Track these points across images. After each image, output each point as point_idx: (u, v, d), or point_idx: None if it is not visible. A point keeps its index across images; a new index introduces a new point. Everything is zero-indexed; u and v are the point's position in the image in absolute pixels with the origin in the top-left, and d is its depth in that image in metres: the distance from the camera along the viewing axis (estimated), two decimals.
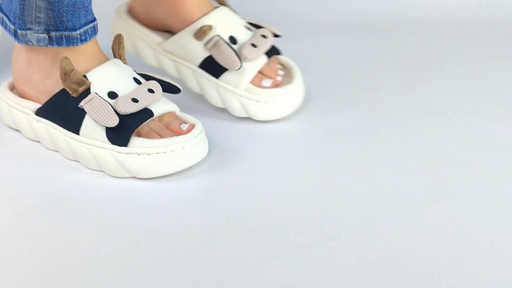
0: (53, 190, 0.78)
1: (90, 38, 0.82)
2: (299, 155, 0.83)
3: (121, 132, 0.78)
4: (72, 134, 0.80)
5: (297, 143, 0.86)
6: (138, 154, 0.78)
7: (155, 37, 0.93)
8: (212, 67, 0.88)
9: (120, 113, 0.78)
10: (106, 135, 0.79)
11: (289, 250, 0.67)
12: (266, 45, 0.88)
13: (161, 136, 0.79)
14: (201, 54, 0.88)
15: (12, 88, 0.87)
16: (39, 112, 0.83)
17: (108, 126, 0.77)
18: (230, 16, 0.90)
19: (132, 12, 0.95)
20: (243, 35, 0.89)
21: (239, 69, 0.85)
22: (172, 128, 0.80)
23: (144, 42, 0.93)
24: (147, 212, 0.74)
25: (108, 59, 0.83)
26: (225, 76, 0.87)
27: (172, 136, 0.78)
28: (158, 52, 0.92)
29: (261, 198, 0.75)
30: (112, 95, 0.79)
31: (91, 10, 0.82)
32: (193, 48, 0.88)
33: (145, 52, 0.93)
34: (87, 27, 0.81)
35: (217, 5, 0.93)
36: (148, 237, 0.70)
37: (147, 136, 0.79)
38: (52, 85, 0.82)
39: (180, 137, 0.78)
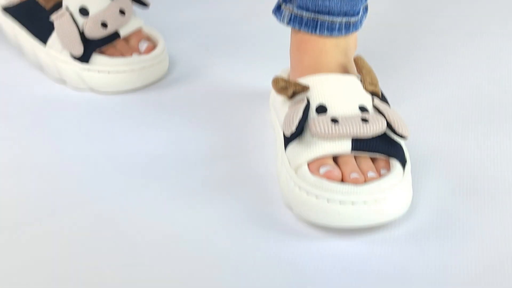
0: (16, 100, 0.84)
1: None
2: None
3: (84, 50, 0.81)
4: (39, 44, 0.85)
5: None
6: (98, 71, 0.82)
7: None
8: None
9: (87, 37, 0.82)
10: (70, 53, 0.83)
11: None
12: (350, 126, 0.66)
13: (123, 55, 0.83)
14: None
15: None
16: (9, 10, 0.87)
17: (71, 53, 0.82)
18: (344, 89, 0.71)
19: None
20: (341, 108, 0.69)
21: (288, 133, 0.67)
22: (133, 46, 0.84)
23: None
24: (106, 121, 0.80)
25: None
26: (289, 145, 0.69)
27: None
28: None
29: None
30: (83, 11, 0.82)
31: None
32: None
33: None
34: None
35: None
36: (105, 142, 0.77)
37: (111, 54, 0.83)
38: None
39: (141, 56, 0.83)
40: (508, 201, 0.69)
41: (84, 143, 0.77)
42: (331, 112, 0.67)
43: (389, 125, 0.67)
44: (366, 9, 0.78)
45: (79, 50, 0.81)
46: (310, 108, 0.68)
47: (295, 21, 0.74)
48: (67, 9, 0.82)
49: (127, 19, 0.83)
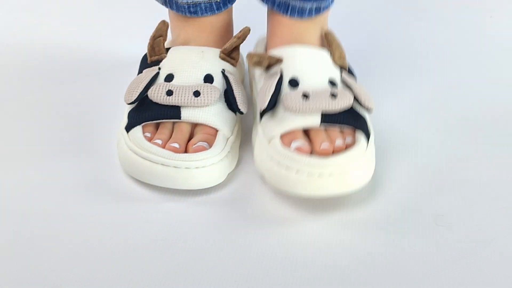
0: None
1: (202, 14, 0.77)
2: None
3: (136, 115, 0.72)
4: None
5: None
6: (126, 146, 0.71)
7: None
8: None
9: (148, 96, 0.72)
10: (129, 110, 0.74)
11: None
12: (319, 100, 0.71)
13: (165, 143, 0.70)
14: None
15: None
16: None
17: (124, 99, 0.72)
18: (312, 61, 0.76)
19: None
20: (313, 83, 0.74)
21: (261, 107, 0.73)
22: (191, 141, 0.71)
23: None
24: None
25: (216, 44, 0.78)
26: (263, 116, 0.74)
27: (173, 151, 0.69)
28: None
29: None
30: (169, 77, 0.74)
31: None
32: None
33: None
34: (198, 0, 0.77)
35: None
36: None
37: (158, 135, 0.71)
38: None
39: (169, 153, 0.68)
40: (475, 182, 0.72)
41: None
42: (303, 86, 0.71)
43: (355, 99, 0.71)
44: None
45: (130, 98, 0.71)
46: (283, 82, 0.72)
47: (269, 1, 0.79)
48: (159, 68, 0.75)
49: (201, 103, 0.71)
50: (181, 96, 0.71)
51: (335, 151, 0.67)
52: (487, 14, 1.08)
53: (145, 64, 0.78)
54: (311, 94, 0.69)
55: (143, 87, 0.72)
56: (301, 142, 0.68)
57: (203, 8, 0.77)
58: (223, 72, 0.75)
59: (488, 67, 0.95)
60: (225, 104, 0.74)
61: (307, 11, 0.77)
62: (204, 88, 0.72)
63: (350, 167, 0.66)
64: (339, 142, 0.68)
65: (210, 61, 0.75)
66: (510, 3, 1.11)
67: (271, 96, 0.70)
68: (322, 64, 0.73)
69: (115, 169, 0.73)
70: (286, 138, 0.69)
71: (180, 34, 0.80)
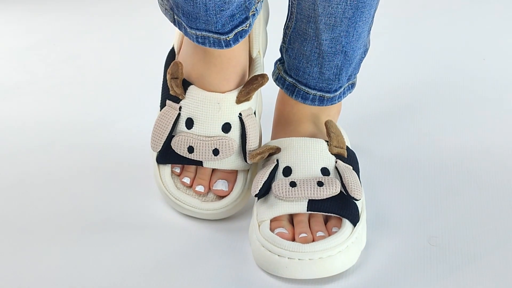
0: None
1: (210, 47, 0.74)
2: None
3: (165, 154, 0.78)
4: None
5: None
6: (155, 175, 0.80)
7: None
8: None
9: (172, 146, 0.77)
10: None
11: None
12: (305, 190, 0.73)
13: (192, 181, 0.79)
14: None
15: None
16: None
17: (151, 147, 0.78)
18: (304, 149, 0.78)
19: None
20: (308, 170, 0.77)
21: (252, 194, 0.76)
22: (212, 178, 0.79)
23: None
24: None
25: (228, 88, 0.78)
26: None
27: (198, 194, 0.78)
28: None
29: None
30: (189, 123, 0.77)
31: (221, 23, 0.72)
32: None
33: None
34: (208, 34, 0.73)
35: None
36: None
37: (185, 173, 0.79)
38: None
39: (196, 202, 0.77)
40: (465, 208, 0.79)
41: None
42: (295, 174, 0.74)
43: (344, 187, 0.72)
44: (352, 86, 0.82)
45: (156, 147, 0.77)
46: (277, 170, 0.75)
47: (280, 81, 0.81)
48: (179, 109, 0.77)
49: (220, 159, 0.76)
50: (201, 154, 0.76)
51: (315, 240, 0.70)
52: (481, 57, 1.15)
53: (167, 91, 0.78)
54: (298, 183, 0.72)
55: (167, 135, 0.76)
56: (282, 229, 0.71)
57: (211, 42, 0.74)
58: (240, 117, 0.77)
59: (482, 106, 1.02)
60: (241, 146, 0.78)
61: (310, 98, 0.79)
62: (222, 144, 0.75)
63: (329, 253, 0.68)
64: (320, 233, 0.70)
65: (227, 110, 0.77)
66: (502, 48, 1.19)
67: (264, 183, 0.73)
68: (316, 153, 0.75)
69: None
70: (274, 223, 0.72)
71: (192, 58, 0.78)
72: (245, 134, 0.77)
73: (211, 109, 0.76)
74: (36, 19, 1.27)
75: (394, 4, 1.34)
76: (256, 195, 0.74)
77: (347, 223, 0.71)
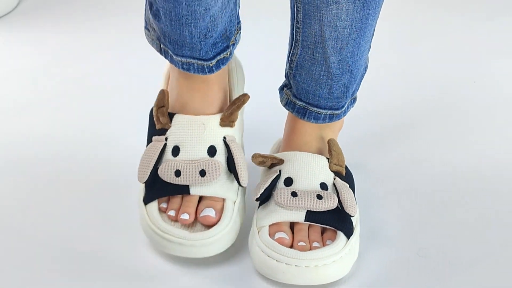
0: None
1: (194, 73, 0.79)
2: None
3: (150, 191, 0.78)
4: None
5: None
6: (142, 218, 0.78)
7: None
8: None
9: (158, 174, 0.77)
10: (145, 185, 0.79)
11: None
12: (306, 200, 0.77)
13: (177, 212, 0.77)
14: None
15: None
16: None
17: (138, 178, 0.78)
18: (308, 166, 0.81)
19: None
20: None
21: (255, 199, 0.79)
22: (199, 206, 0.77)
23: None
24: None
25: (212, 110, 0.81)
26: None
27: (182, 220, 0.76)
28: None
29: None
30: (175, 151, 0.79)
31: (204, 50, 0.78)
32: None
33: None
34: (192, 61, 0.78)
35: None
36: None
37: (171, 205, 0.77)
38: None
39: (185, 233, 0.75)
40: (454, 222, 0.83)
41: None
42: (295, 185, 0.78)
43: (340, 203, 0.76)
44: (354, 100, 0.86)
45: (143, 178, 0.77)
46: (279, 179, 0.78)
47: (289, 105, 0.84)
48: (166, 140, 0.79)
49: (207, 181, 0.76)
50: (188, 177, 0.76)
51: (311, 249, 0.73)
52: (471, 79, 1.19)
53: (153, 128, 0.81)
54: (299, 194, 0.76)
55: (153, 165, 0.77)
56: (283, 234, 0.74)
57: (196, 68, 0.78)
58: (224, 140, 0.79)
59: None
60: (228, 172, 0.79)
61: (321, 117, 0.82)
62: (209, 166, 0.76)
63: (324, 262, 0.72)
64: (315, 244, 0.74)
65: (212, 132, 0.79)
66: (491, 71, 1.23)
67: (265, 189, 0.77)
68: (317, 168, 0.79)
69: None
70: (273, 228, 0.75)
71: (177, 88, 0.82)
72: (232, 157, 0.78)
73: (196, 131, 0.79)
74: (47, 41, 1.31)
75: (389, 29, 1.38)
76: (257, 199, 0.77)
77: (341, 236, 0.75)
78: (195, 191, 0.77)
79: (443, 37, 1.36)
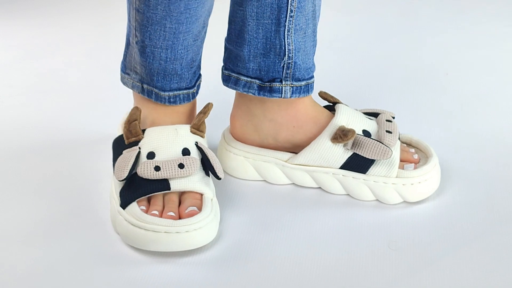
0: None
1: (180, 103, 0.85)
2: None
3: (129, 193, 0.79)
4: (112, 174, 0.84)
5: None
6: (127, 222, 0.77)
7: (282, 155, 0.88)
8: (357, 164, 0.85)
9: (137, 173, 0.79)
10: (120, 189, 0.80)
11: None
12: (397, 130, 0.88)
13: (161, 213, 0.77)
14: (343, 155, 0.85)
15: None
16: (114, 145, 0.86)
17: (116, 177, 0.79)
18: (352, 111, 0.88)
19: (237, 137, 0.91)
20: (371, 126, 0.87)
21: (390, 156, 0.83)
22: (181, 207, 0.79)
23: (269, 163, 0.89)
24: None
25: (182, 122, 0.86)
26: (373, 169, 0.85)
27: (169, 217, 0.77)
28: (289, 168, 0.88)
29: None
30: (150, 155, 0.81)
31: (189, 79, 0.85)
32: (333, 152, 0.85)
33: (273, 172, 0.89)
34: (179, 92, 0.85)
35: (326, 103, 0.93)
36: None
37: (152, 206, 0.78)
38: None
39: (170, 221, 0.75)
40: (422, 214, 0.84)
41: None
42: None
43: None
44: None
45: (122, 175, 0.78)
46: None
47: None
48: (139, 149, 0.81)
49: (186, 174, 0.79)
50: (168, 170, 0.78)
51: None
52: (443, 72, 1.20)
53: (122, 145, 0.83)
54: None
55: (131, 165, 0.78)
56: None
57: (182, 98, 0.85)
58: (196, 144, 0.83)
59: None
60: (203, 171, 0.82)
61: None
62: (186, 160, 0.79)
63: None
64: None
65: (185, 137, 0.82)
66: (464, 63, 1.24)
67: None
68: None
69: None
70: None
71: (148, 116, 0.86)
72: (206, 156, 0.81)
73: (171, 136, 0.82)
74: (17, 34, 1.30)
75: (365, 23, 1.38)
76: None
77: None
78: (175, 185, 0.79)
79: (416, 30, 1.37)
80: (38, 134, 1.01)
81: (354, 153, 0.85)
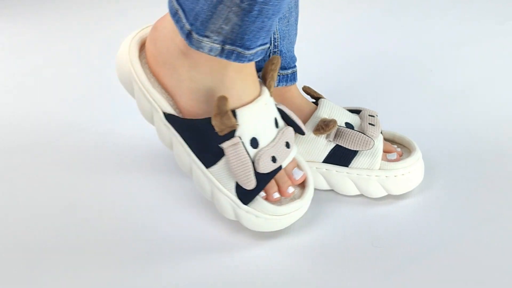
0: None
1: (256, 59, 0.76)
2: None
3: (246, 190, 0.77)
4: (198, 163, 0.79)
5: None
6: (256, 216, 0.78)
7: None
8: (340, 156, 0.85)
9: (258, 171, 0.76)
10: (236, 188, 0.78)
11: None
12: (379, 124, 0.87)
13: (280, 192, 0.79)
14: (325, 147, 0.85)
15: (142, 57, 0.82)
16: (171, 120, 0.79)
17: (244, 187, 0.76)
18: (334, 105, 0.88)
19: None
20: (354, 119, 0.87)
21: (372, 147, 0.83)
22: (288, 175, 0.80)
23: None
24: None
25: (259, 86, 0.79)
26: (355, 161, 0.85)
27: (290, 194, 0.79)
28: None
29: None
30: (254, 143, 0.77)
31: (271, 34, 0.77)
32: (316, 145, 0.85)
33: None
34: (260, 48, 0.75)
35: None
36: None
37: (270, 190, 0.79)
38: (196, 96, 0.78)
39: (296, 204, 0.78)
40: (406, 212, 0.80)
41: None
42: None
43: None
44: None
45: (253, 184, 0.76)
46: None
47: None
48: (240, 139, 0.76)
49: (292, 152, 0.79)
50: (282, 156, 0.78)
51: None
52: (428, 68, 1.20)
53: (214, 138, 0.76)
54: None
55: (252, 167, 0.76)
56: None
57: (259, 54, 0.76)
58: (277, 107, 0.81)
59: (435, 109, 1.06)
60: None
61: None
62: (287, 135, 0.79)
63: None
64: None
65: (272, 107, 0.79)
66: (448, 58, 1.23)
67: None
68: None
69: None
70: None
71: (224, 80, 0.77)
72: (287, 115, 0.81)
73: (263, 113, 0.78)
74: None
75: (349, 19, 1.38)
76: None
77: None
78: (284, 163, 0.79)
79: (400, 28, 1.37)
80: (23, 130, 1.00)
81: (336, 145, 0.85)
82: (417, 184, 0.86)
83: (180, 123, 0.78)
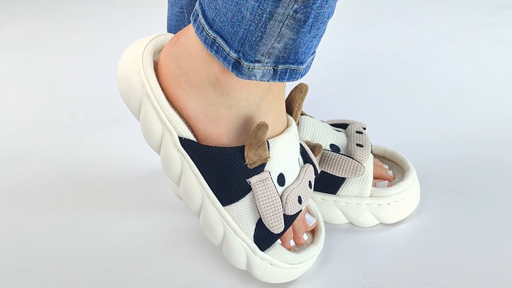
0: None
1: (307, 71, 0.67)
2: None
3: (268, 234, 0.69)
4: (214, 199, 0.69)
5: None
6: (271, 264, 0.70)
7: None
8: (326, 184, 0.77)
9: (285, 213, 0.69)
10: (255, 231, 0.69)
11: None
12: (368, 142, 0.79)
13: (295, 239, 0.73)
14: None
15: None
16: (188, 147, 0.69)
17: (271, 231, 0.68)
18: (318, 123, 0.79)
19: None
20: (340, 139, 0.79)
21: (362, 173, 0.75)
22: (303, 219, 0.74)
23: None
24: None
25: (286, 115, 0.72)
26: (343, 189, 0.77)
27: (304, 242, 0.73)
28: None
29: None
30: (281, 179, 0.69)
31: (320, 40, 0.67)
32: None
33: None
34: (311, 58, 0.66)
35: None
36: None
37: (287, 236, 0.72)
38: (227, 123, 0.68)
39: (312, 251, 0.72)
40: (396, 244, 0.73)
41: None
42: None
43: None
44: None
45: (281, 227, 0.68)
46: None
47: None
48: (269, 174, 0.68)
49: (312, 190, 0.72)
50: (306, 196, 0.70)
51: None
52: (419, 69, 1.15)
53: (243, 170, 0.67)
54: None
55: (281, 210, 0.68)
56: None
57: (310, 65, 0.68)
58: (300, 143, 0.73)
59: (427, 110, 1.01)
60: None
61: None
62: (309, 174, 0.71)
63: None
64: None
65: (297, 140, 0.72)
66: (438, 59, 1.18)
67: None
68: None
69: None
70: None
71: (261, 105, 0.68)
72: (307, 153, 0.74)
73: (291, 146, 0.70)
74: None
75: (334, 17, 1.33)
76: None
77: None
78: (303, 204, 0.71)
79: (389, 26, 1.34)
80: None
81: (322, 171, 0.76)
82: (413, 210, 0.78)
83: (200, 151, 0.68)
